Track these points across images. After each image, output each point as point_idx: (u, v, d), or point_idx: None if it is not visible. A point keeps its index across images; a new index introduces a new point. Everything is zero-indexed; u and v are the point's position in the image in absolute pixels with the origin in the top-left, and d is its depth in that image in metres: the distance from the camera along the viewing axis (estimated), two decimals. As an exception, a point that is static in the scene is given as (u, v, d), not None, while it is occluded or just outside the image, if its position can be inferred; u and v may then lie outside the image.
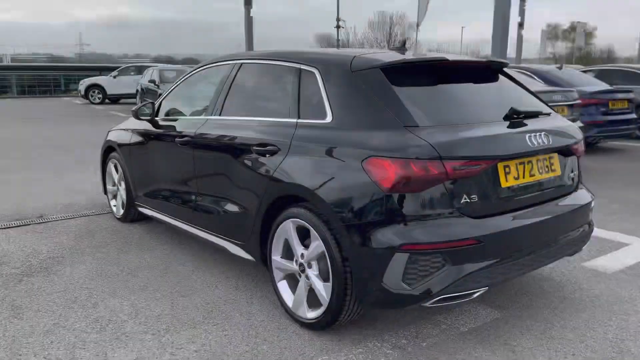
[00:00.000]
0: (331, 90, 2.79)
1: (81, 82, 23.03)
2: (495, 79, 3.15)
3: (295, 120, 2.92)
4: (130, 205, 4.65)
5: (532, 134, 2.68)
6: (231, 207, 3.29)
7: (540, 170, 2.75)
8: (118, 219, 4.90)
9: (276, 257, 2.96)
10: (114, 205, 4.97)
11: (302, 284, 2.82)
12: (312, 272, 2.73)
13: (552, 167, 2.83)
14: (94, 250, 4.08)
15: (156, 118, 4.14)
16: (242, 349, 2.62)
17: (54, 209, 5.31)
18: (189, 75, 4.12)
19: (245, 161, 3.12)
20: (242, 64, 3.53)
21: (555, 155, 2.87)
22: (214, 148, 3.44)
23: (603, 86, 9.18)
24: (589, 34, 53.49)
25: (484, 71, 3.16)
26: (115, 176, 4.85)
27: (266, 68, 3.35)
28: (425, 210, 2.39)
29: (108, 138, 4.91)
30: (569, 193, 2.98)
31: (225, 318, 2.96)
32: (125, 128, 4.65)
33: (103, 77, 22.95)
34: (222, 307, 3.09)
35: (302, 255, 2.79)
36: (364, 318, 2.90)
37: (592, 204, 3.11)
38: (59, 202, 5.55)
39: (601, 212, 5.02)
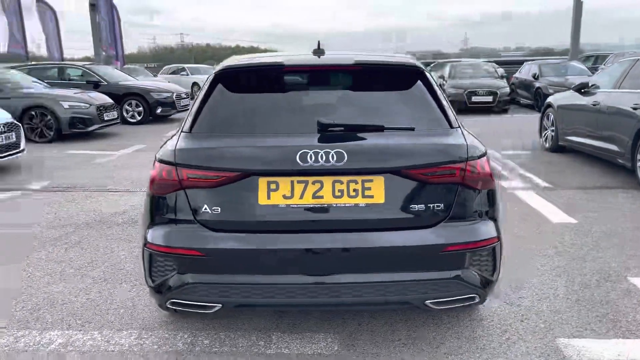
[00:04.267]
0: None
1: None
2: (388, 84, 2.65)
3: None
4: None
5: (314, 151, 2.26)
6: None
7: (338, 194, 2.28)
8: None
9: None
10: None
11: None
12: None
13: (367, 193, 2.28)
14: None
15: None
16: (111, 308, 3.09)
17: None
18: None
19: None
20: None
21: (378, 179, 2.29)
22: None
23: None
24: None
25: (365, 75, 2.69)
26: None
27: None
28: (169, 214, 2.42)
29: None
30: (414, 227, 2.33)
31: (135, 280, 3.46)
32: None
33: None
34: (150, 271, 3.59)
35: None
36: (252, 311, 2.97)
37: (466, 248, 2.31)
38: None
39: None
